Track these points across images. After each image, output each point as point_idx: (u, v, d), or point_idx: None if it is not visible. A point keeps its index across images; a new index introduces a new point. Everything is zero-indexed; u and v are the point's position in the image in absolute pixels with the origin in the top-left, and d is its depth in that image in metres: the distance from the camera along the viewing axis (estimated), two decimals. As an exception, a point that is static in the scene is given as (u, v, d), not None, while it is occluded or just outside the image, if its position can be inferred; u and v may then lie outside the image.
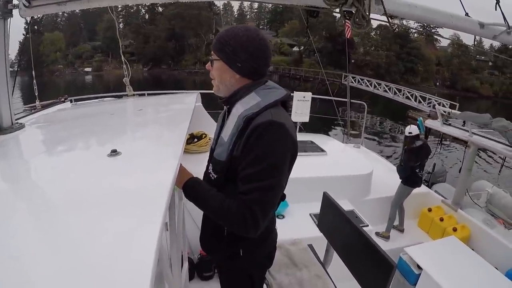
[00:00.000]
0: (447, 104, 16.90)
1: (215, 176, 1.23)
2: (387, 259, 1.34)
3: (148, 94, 4.96)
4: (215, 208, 1.14)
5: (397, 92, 22.42)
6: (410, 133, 4.36)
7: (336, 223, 1.84)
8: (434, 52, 48.86)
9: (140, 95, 4.55)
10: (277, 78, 41.07)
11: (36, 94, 3.65)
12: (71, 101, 3.93)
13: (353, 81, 26.87)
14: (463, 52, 44.29)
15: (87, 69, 51.02)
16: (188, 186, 1.21)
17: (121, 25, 53.74)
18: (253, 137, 1.08)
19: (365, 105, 6.37)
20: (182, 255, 1.76)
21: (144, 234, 0.76)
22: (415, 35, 45.89)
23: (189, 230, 2.53)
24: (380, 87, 24.48)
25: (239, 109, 1.16)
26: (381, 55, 43.41)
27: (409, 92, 21.32)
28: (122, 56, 3.78)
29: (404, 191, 4.34)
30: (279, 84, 1.27)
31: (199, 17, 47.20)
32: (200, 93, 4.45)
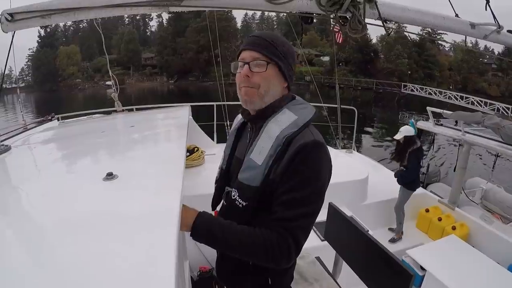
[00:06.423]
0: (508, 108, 18.78)
1: (244, 204, 1.06)
2: (406, 269, 1.29)
3: (137, 109, 4.85)
4: (245, 246, 0.98)
5: (460, 100, 26.12)
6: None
7: (344, 234, 1.79)
8: (446, 58, 52.17)
9: (129, 110, 4.44)
10: (314, 87, 42.04)
11: (22, 112, 3.54)
12: (58, 119, 3.81)
13: (414, 90, 32.68)
14: (472, 57, 47.23)
15: (108, 83, 50.11)
16: (200, 228, 1.00)
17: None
18: (298, 159, 0.97)
19: (355, 110, 6.37)
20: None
21: (159, 270, 0.67)
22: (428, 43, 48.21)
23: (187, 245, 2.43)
24: (442, 95, 28.82)
25: (275, 128, 1.03)
26: (404, 63, 45.10)
27: (473, 98, 24.57)
28: (110, 71, 3.71)
29: (407, 195, 4.31)
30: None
31: (228, 29, 47.93)
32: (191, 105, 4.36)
